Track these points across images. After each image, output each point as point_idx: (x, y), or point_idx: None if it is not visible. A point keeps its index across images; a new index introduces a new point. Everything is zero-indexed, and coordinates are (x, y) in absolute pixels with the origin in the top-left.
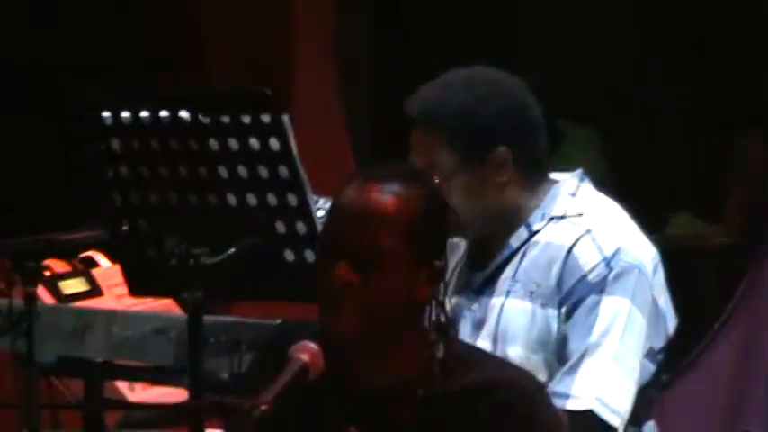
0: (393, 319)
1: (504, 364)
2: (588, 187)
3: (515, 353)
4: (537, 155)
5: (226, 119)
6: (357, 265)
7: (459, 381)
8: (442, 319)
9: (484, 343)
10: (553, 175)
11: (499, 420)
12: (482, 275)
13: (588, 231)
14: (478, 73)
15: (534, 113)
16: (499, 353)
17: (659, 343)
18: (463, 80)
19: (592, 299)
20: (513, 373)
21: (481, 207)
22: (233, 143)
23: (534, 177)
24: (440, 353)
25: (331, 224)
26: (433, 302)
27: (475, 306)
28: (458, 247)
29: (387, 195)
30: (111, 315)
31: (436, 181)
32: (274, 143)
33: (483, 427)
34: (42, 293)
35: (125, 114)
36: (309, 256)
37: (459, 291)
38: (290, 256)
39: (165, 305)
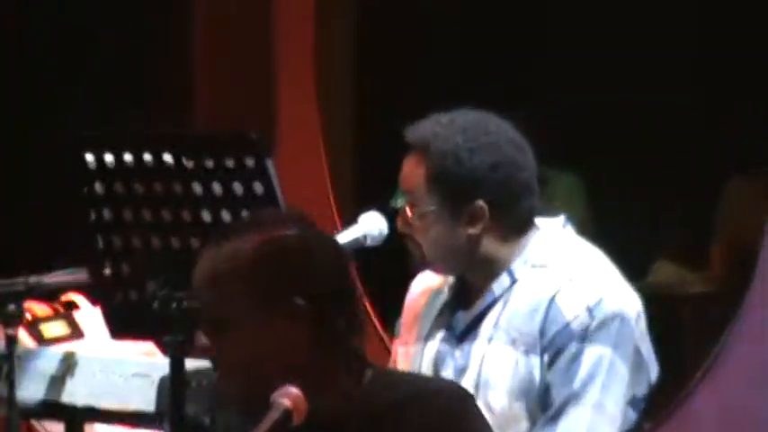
0: (271, 369)
1: (430, 377)
2: (571, 234)
3: (498, 401)
4: (520, 214)
5: (210, 162)
6: (213, 332)
7: (387, 398)
8: (354, 345)
9: None
10: (536, 221)
11: (423, 425)
12: (464, 320)
13: (571, 280)
14: (484, 121)
15: (525, 176)
16: (481, 400)
17: (642, 391)
18: (465, 124)
19: (574, 347)
20: (439, 383)
21: (449, 251)
22: (216, 187)
23: (517, 230)
24: (366, 377)
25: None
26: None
27: (457, 353)
28: (440, 292)
29: (216, 260)
30: (93, 359)
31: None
32: (258, 187)
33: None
34: (23, 336)
35: (108, 157)
36: None
37: (440, 335)
38: None
39: (146, 349)
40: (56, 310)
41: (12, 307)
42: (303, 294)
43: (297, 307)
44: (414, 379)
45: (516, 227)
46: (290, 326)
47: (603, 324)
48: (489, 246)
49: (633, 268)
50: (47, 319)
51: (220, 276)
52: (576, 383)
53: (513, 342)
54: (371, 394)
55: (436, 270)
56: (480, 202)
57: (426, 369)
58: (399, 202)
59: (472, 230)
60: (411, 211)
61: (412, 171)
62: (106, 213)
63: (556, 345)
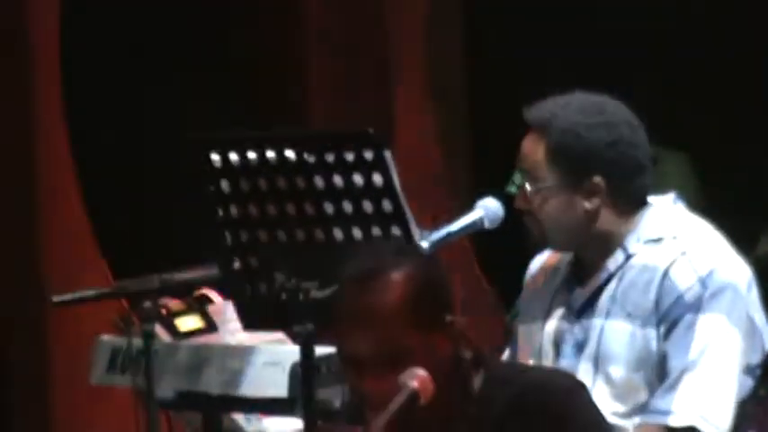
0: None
1: (539, 369)
2: (682, 209)
3: (617, 373)
4: (634, 191)
5: (330, 157)
6: (382, 371)
7: (497, 402)
8: (470, 355)
9: (586, 364)
10: (648, 198)
11: (535, 420)
12: (582, 297)
13: (683, 253)
14: (600, 102)
15: (639, 155)
16: (601, 373)
17: (756, 358)
18: (582, 104)
19: (689, 318)
20: (546, 375)
21: (567, 226)
22: (338, 180)
23: (631, 207)
24: (477, 383)
25: (342, 340)
26: (458, 348)
27: (576, 329)
28: (558, 270)
29: (382, 291)
30: (227, 350)
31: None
32: (377, 178)
33: (528, 428)
34: (160, 331)
35: (233, 156)
36: None
37: (560, 313)
38: None
39: (277, 338)
40: (189, 305)
41: (147, 304)
42: (449, 310)
43: (448, 323)
44: (527, 372)
45: (630, 204)
46: (446, 343)
47: (716, 294)
48: (605, 221)
49: (742, 241)
50: (181, 313)
51: (383, 312)
52: (692, 353)
53: (630, 316)
54: (485, 395)
55: (553, 248)
56: (598, 178)
57: (547, 345)
58: (517, 180)
59: (589, 205)
60: (530, 187)
61: (532, 148)
62: (233, 210)
63: (671, 316)
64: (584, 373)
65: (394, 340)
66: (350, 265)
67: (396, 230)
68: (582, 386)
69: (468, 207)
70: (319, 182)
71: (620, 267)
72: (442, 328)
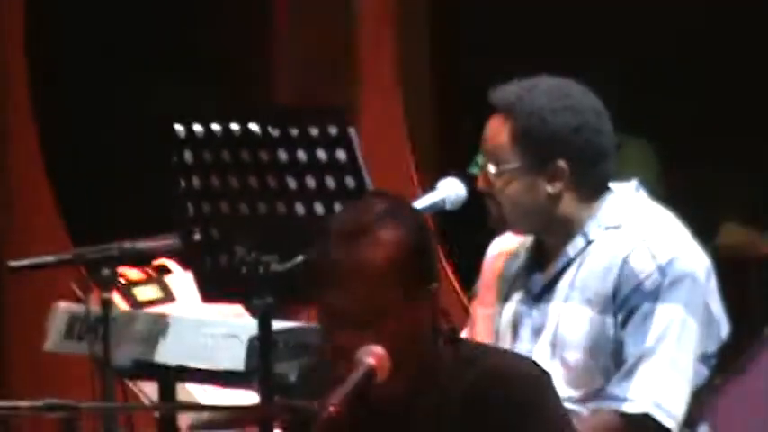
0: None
1: (507, 353)
2: (643, 197)
3: (573, 358)
4: (597, 177)
5: (294, 131)
6: (359, 327)
7: (464, 380)
8: (447, 329)
9: (543, 348)
10: (611, 185)
11: (498, 406)
12: (541, 281)
13: (643, 240)
14: (566, 86)
15: (603, 141)
16: (557, 358)
17: (712, 347)
18: (549, 87)
19: (647, 306)
20: (513, 361)
21: (528, 209)
22: (301, 154)
23: (593, 192)
24: (448, 358)
25: (324, 292)
26: (436, 319)
27: (534, 312)
28: (518, 254)
29: (371, 249)
30: (184, 320)
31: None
32: (341, 154)
33: (489, 415)
34: (118, 300)
35: (197, 127)
36: None
37: (518, 296)
38: None
39: (235, 311)
40: (148, 275)
41: (106, 272)
42: (434, 279)
43: (431, 291)
44: (494, 356)
45: (593, 189)
46: (426, 311)
47: (675, 283)
48: (566, 206)
49: (702, 230)
50: (140, 283)
51: (369, 270)
52: (649, 341)
53: (588, 302)
54: (454, 372)
55: (514, 231)
56: (561, 162)
57: (505, 329)
58: (480, 161)
59: (552, 189)
60: (494, 169)
61: (497, 130)
62: (195, 181)
63: (629, 304)
64: (540, 357)
65: (376, 299)
66: (340, 216)
67: None
68: (547, 376)
69: (431, 188)
70: (283, 155)
71: (580, 253)
72: (425, 295)
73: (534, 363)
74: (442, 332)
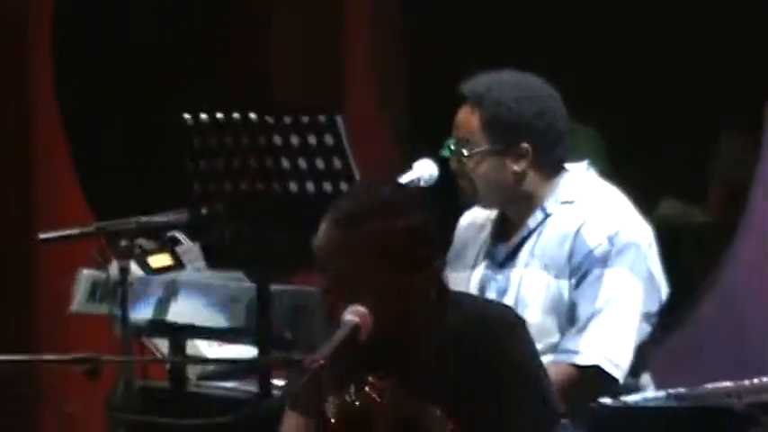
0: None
1: (490, 301)
2: (593, 175)
3: (533, 317)
4: (555, 158)
5: (288, 119)
6: (348, 296)
7: (450, 321)
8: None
9: None
10: (565, 165)
11: (480, 347)
12: (504, 250)
13: (594, 214)
14: (527, 79)
15: (562, 126)
16: None
17: (654, 307)
18: (512, 80)
19: (597, 271)
20: (499, 310)
21: (497, 186)
22: (294, 139)
23: (552, 171)
24: (432, 300)
25: (318, 262)
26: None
27: (499, 277)
28: (484, 226)
29: (358, 239)
30: (193, 284)
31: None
32: (329, 139)
33: (469, 354)
34: (134, 267)
35: (203, 116)
36: None
37: (485, 263)
38: None
39: (237, 277)
40: (161, 245)
41: (124, 242)
42: (431, 256)
43: (433, 267)
44: (475, 302)
45: (552, 168)
46: (419, 284)
47: (621, 251)
48: (529, 183)
49: (644, 203)
50: (153, 252)
51: (356, 255)
52: (599, 301)
53: (546, 267)
54: (439, 314)
55: (483, 205)
56: (525, 145)
57: (473, 291)
58: (451, 145)
59: (517, 168)
60: (465, 152)
61: (468, 117)
62: (202, 164)
63: (581, 269)
64: None
65: (360, 279)
66: (341, 202)
67: (344, 186)
68: (522, 321)
69: (407, 167)
70: (278, 140)
71: (539, 225)
72: (418, 269)
73: (511, 309)
74: (432, 300)
